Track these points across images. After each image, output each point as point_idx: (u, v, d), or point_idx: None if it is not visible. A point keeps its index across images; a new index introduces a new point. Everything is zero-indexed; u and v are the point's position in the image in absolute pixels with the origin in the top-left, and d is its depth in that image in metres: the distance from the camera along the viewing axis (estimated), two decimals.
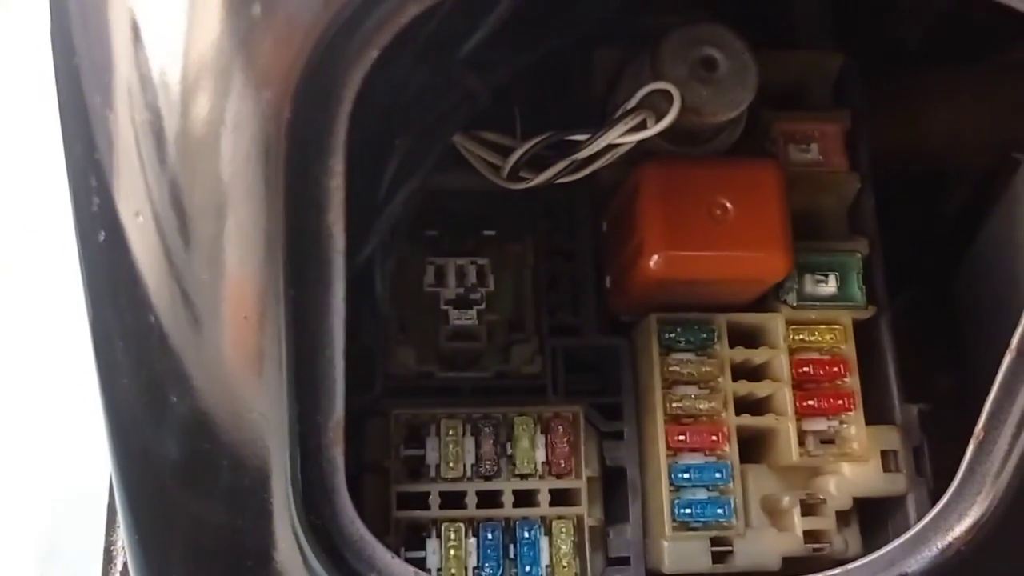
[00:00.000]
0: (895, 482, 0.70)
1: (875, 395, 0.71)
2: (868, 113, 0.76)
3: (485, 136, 0.65)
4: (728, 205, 0.65)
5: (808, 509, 0.69)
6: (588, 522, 0.67)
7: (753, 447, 0.71)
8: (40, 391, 1.20)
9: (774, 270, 0.67)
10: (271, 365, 0.49)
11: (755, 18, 0.67)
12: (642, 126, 0.63)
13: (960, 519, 0.58)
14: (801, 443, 0.68)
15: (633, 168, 0.67)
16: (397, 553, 0.64)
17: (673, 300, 0.69)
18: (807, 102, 0.75)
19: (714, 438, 0.68)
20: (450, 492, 0.66)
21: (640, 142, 0.65)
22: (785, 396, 0.69)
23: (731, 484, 0.68)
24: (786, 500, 0.69)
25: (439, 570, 0.65)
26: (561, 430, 0.68)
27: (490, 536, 0.66)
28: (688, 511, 0.67)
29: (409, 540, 0.66)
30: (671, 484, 0.67)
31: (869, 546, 0.70)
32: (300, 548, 0.53)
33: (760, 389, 0.69)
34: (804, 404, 0.69)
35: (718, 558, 0.67)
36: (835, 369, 0.70)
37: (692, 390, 0.69)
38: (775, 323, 0.70)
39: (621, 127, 0.63)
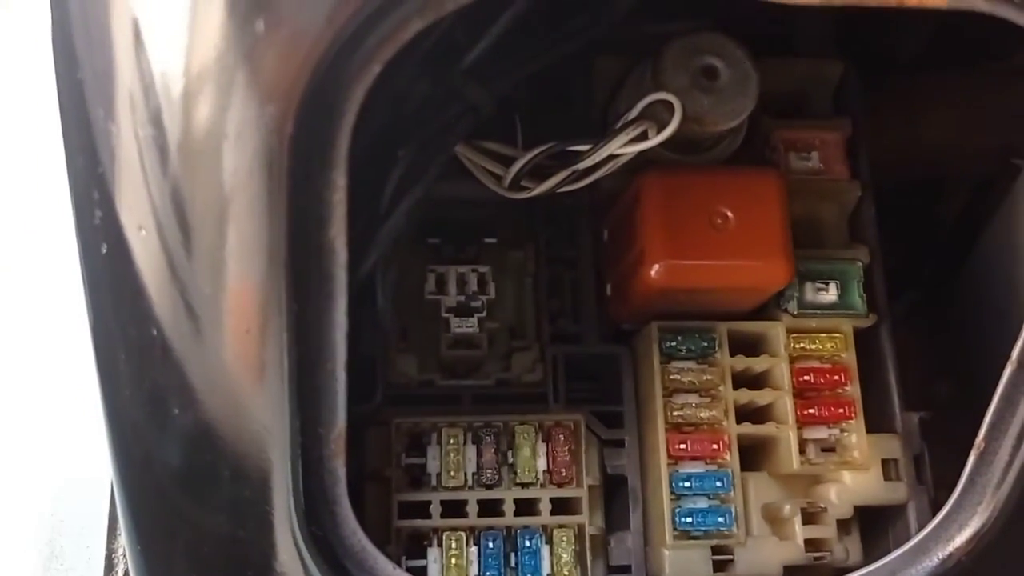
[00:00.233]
0: (896, 491, 0.70)
1: (876, 403, 0.72)
2: (869, 120, 0.76)
3: (487, 146, 0.65)
4: (729, 214, 0.66)
5: (809, 518, 0.69)
6: (589, 531, 0.67)
7: (754, 455, 0.71)
8: (41, 394, 1.20)
9: (775, 279, 0.67)
10: (273, 377, 0.49)
11: (756, 27, 0.67)
12: (643, 137, 0.63)
13: (961, 529, 0.58)
14: (802, 451, 0.69)
15: (634, 177, 0.68)
16: (399, 562, 0.64)
17: (674, 308, 0.69)
18: (808, 110, 0.76)
19: (715, 446, 0.68)
20: (451, 501, 0.66)
21: (642, 151, 0.65)
22: (786, 404, 0.69)
23: (732, 493, 0.68)
24: (787, 508, 0.69)
25: None
26: (562, 439, 0.68)
27: (491, 545, 0.66)
28: (689, 520, 0.67)
29: (410, 549, 0.66)
30: (672, 492, 0.67)
31: (870, 555, 0.70)
32: (301, 559, 0.53)
33: (761, 397, 0.69)
34: (805, 412, 0.69)
35: (719, 567, 0.68)
36: (836, 377, 0.70)
37: (693, 398, 0.69)
38: (776, 331, 0.70)
39: (622, 138, 0.63)
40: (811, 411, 0.69)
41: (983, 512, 0.58)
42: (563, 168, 0.65)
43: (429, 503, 0.66)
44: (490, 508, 0.67)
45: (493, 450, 0.67)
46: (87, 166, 0.47)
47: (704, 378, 0.69)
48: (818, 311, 0.71)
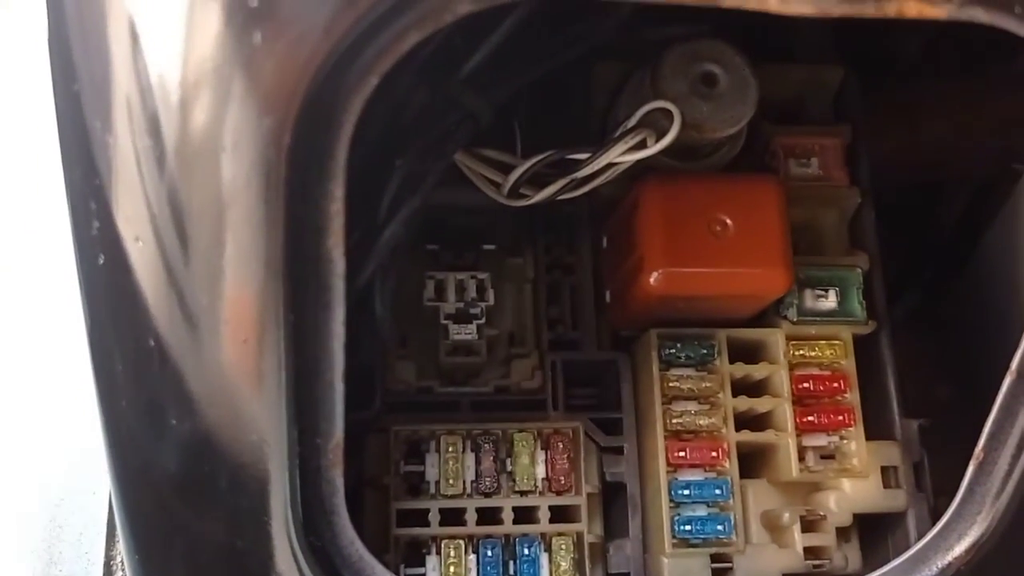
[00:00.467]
0: (895, 498, 0.70)
1: (875, 410, 0.71)
2: (869, 126, 0.75)
3: (486, 153, 0.65)
4: (728, 221, 0.65)
5: (808, 525, 0.69)
6: (588, 539, 0.67)
7: (753, 463, 0.71)
8: (40, 399, 1.20)
9: (774, 286, 0.67)
10: (270, 387, 0.49)
11: (755, 33, 0.67)
12: (642, 145, 0.63)
13: (960, 539, 0.58)
14: (801, 459, 0.68)
15: (633, 183, 0.67)
16: (397, 571, 0.64)
17: (673, 315, 0.69)
18: (807, 116, 0.75)
19: (714, 454, 0.68)
20: (450, 509, 0.66)
21: (641, 158, 0.64)
22: (785, 412, 0.69)
23: (731, 500, 0.68)
24: (786, 516, 0.69)
25: None
26: (561, 446, 0.68)
27: (490, 553, 0.66)
28: (688, 527, 0.67)
29: (409, 557, 0.66)
30: (671, 500, 0.67)
31: (869, 563, 0.70)
32: (299, 569, 0.53)
33: (760, 405, 0.69)
34: (804, 420, 0.69)
35: (718, 574, 0.67)
36: (835, 384, 0.70)
37: (692, 406, 0.69)
38: (775, 338, 0.70)
39: (621, 146, 0.63)
40: (810, 418, 0.69)
41: (982, 522, 0.57)
42: (562, 176, 0.65)
43: (428, 511, 0.66)
44: (489, 516, 0.67)
45: (492, 458, 0.67)
46: (84, 177, 0.47)
47: (703, 385, 0.69)
48: (817, 318, 0.71)
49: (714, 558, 0.67)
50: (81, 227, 0.48)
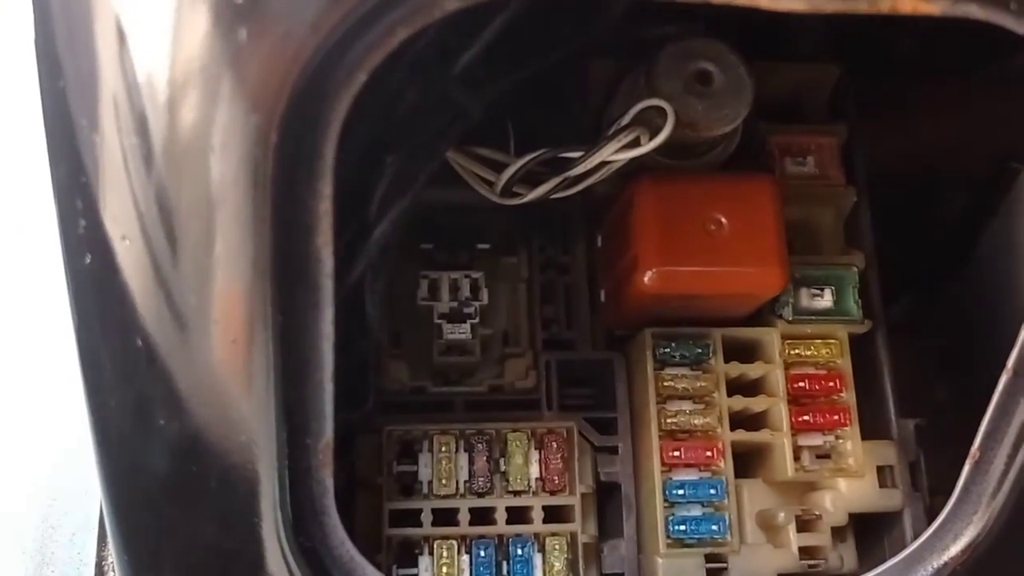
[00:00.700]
0: (891, 498, 0.69)
1: (871, 410, 0.71)
2: (864, 125, 0.75)
3: (478, 152, 0.65)
4: (723, 220, 0.65)
5: (804, 525, 0.69)
6: (582, 539, 0.67)
7: (748, 462, 0.71)
8: (31, 399, 1.20)
9: (769, 285, 0.66)
10: (260, 388, 0.48)
11: (750, 31, 0.66)
12: (636, 143, 0.63)
13: (956, 539, 0.58)
14: (796, 458, 0.68)
15: (628, 182, 0.67)
16: (389, 571, 0.64)
17: (668, 314, 0.69)
18: (803, 115, 0.75)
19: (709, 454, 0.68)
20: (443, 509, 0.66)
21: (635, 157, 0.64)
22: (780, 411, 0.69)
23: (726, 500, 0.67)
24: (781, 516, 0.68)
25: None
26: (555, 446, 0.68)
27: (483, 553, 0.65)
28: (683, 527, 0.67)
29: (401, 557, 0.66)
30: (665, 500, 0.67)
31: (865, 562, 0.70)
32: (290, 570, 0.53)
33: (755, 404, 0.69)
34: (800, 419, 0.69)
35: (713, 575, 0.67)
36: (831, 384, 0.70)
37: (687, 405, 0.69)
38: (771, 337, 0.70)
39: (615, 144, 0.62)
40: (806, 418, 0.69)
41: (978, 522, 0.57)
42: (555, 174, 0.64)
43: (420, 511, 0.66)
44: (482, 516, 0.67)
45: (485, 457, 0.67)
46: (70, 175, 0.47)
47: (698, 385, 0.69)
48: (813, 317, 0.70)
49: (709, 558, 0.67)
50: (68, 226, 0.48)
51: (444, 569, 0.65)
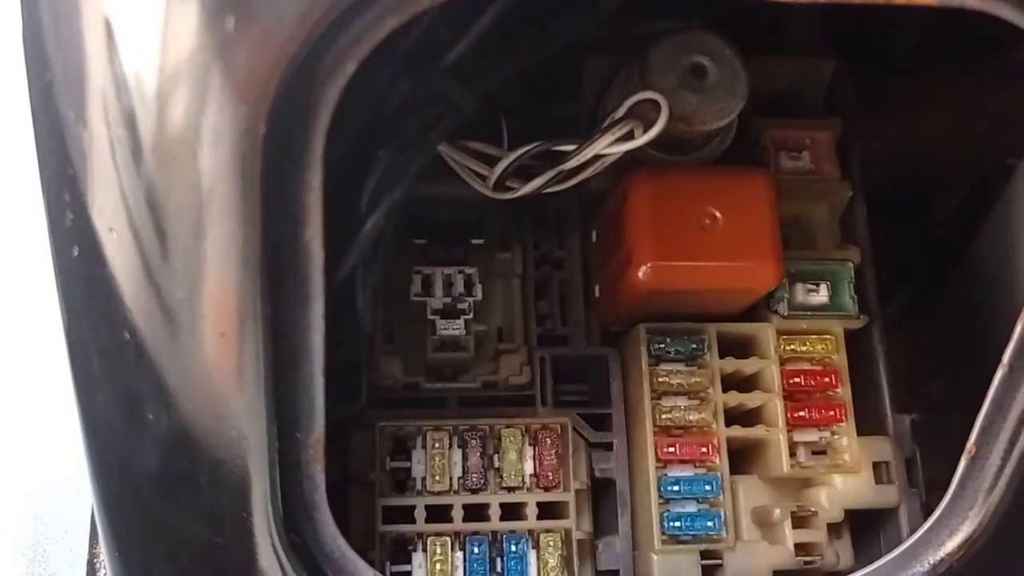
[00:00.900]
0: (887, 494, 0.69)
1: (867, 405, 0.71)
2: (860, 120, 0.75)
3: (471, 146, 0.64)
4: (718, 214, 0.65)
5: (799, 521, 0.68)
6: (576, 535, 0.67)
7: (743, 458, 0.70)
8: (22, 396, 1.19)
9: (764, 280, 0.66)
10: (249, 382, 0.48)
11: (746, 25, 0.66)
12: (630, 136, 0.62)
13: (952, 535, 0.58)
14: (792, 454, 0.68)
15: (622, 176, 0.67)
16: (383, 568, 0.63)
17: (662, 310, 0.68)
18: (798, 110, 0.75)
19: (704, 450, 0.67)
20: (436, 505, 0.66)
21: (629, 150, 0.64)
22: (776, 407, 0.68)
23: (721, 496, 0.67)
24: (777, 512, 0.68)
25: None
26: (549, 442, 0.67)
27: (476, 550, 0.65)
28: (678, 524, 0.66)
29: (395, 554, 0.65)
30: (660, 496, 0.66)
31: (861, 558, 0.69)
32: (281, 566, 0.52)
33: (751, 400, 0.69)
34: (795, 415, 0.68)
35: (708, 571, 0.67)
36: (826, 379, 0.69)
37: (682, 401, 0.68)
38: (766, 333, 0.70)
39: (608, 137, 0.62)
40: (801, 414, 0.68)
41: (974, 517, 0.57)
42: (549, 168, 0.64)
43: (414, 508, 0.65)
44: (476, 512, 0.66)
45: (479, 454, 0.67)
46: (58, 167, 0.46)
47: (693, 380, 0.68)
48: (809, 312, 0.70)
49: (704, 555, 0.67)
50: (55, 219, 0.47)
51: (438, 566, 0.64)
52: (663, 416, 0.68)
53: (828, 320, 0.70)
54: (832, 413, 0.69)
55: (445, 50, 0.56)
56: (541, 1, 0.60)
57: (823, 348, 0.70)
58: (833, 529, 0.69)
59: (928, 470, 0.70)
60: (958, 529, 0.58)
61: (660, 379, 0.68)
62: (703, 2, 0.67)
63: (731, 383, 0.69)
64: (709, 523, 0.66)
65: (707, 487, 0.67)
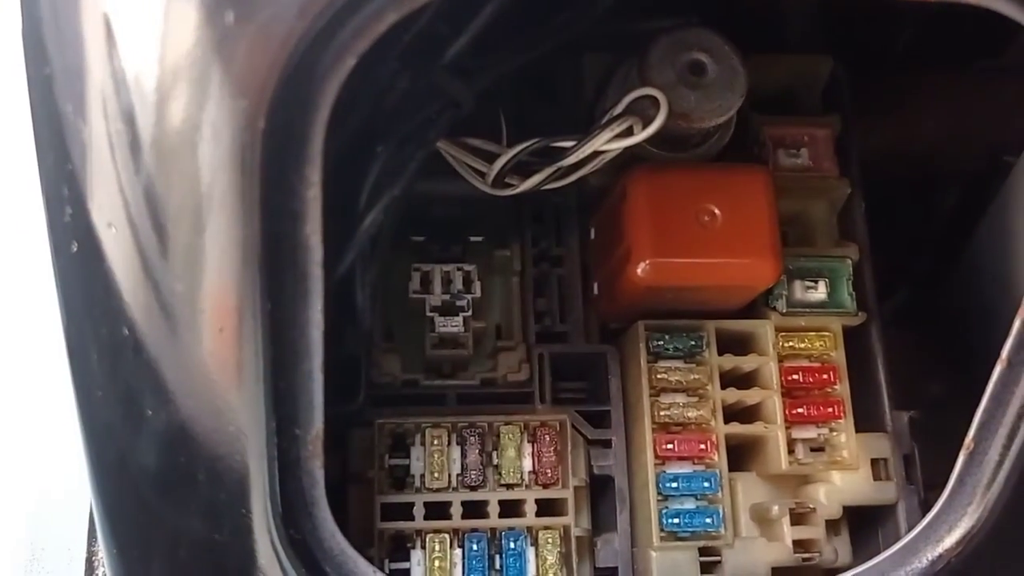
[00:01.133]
0: (885, 491, 0.69)
1: (865, 402, 0.71)
2: (858, 117, 0.75)
3: (470, 142, 0.64)
4: (716, 211, 0.65)
5: (798, 518, 0.68)
6: (575, 532, 0.67)
7: (742, 455, 0.70)
8: (20, 395, 1.19)
9: (763, 276, 0.66)
10: (248, 378, 0.48)
11: (744, 22, 0.66)
12: (628, 132, 0.62)
13: (950, 530, 0.58)
14: (790, 451, 0.68)
15: (621, 173, 0.67)
16: (381, 565, 0.63)
17: (661, 307, 0.68)
18: (797, 107, 0.75)
19: (702, 447, 0.67)
20: (435, 502, 0.66)
21: (628, 147, 0.64)
22: (774, 404, 0.68)
23: (720, 493, 0.67)
24: (775, 509, 0.68)
25: None
26: (548, 439, 0.67)
27: (475, 547, 0.65)
28: (676, 521, 0.66)
29: (393, 551, 0.65)
30: (659, 493, 0.66)
31: (859, 555, 0.69)
32: (280, 563, 0.52)
33: (749, 397, 0.69)
34: (793, 412, 0.68)
35: (707, 568, 0.67)
36: (825, 376, 0.69)
37: (680, 398, 0.68)
38: (764, 330, 0.70)
39: (607, 133, 0.62)
40: (800, 410, 0.68)
41: (973, 513, 0.57)
42: (548, 165, 0.64)
43: (412, 505, 0.65)
44: (474, 510, 0.66)
45: (478, 451, 0.67)
46: (56, 162, 0.46)
47: (691, 377, 0.68)
48: (807, 309, 0.70)
49: (703, 551, 0.67)
50: (54, 214, 0.47)
51: (436, 563, 0.64)
52: (662, 413, 0.68)
53: (826, 317, 0.70)
54: (830, 410, 0.69)
55: (444, 46, 0.56)
56: None
57: (821, 345, 0.70)
58: (831, 526, 0.69)
59: (926, 467, 0.70)
60: (956, 525, 0.58)
61: (659, 376, 0.68)
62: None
63: (730, 380, 0.69)
64: (708, 520, 0.66)
65: (706, 484, 0.67)
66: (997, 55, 0.81)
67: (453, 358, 0.71)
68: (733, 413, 0.69)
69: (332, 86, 0.43)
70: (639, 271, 0.64)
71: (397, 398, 0.69)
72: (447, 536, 0.65)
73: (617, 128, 0.62)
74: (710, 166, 0.69)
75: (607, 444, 0.69)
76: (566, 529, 0.67)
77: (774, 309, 0.70)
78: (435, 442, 0.66)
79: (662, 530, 0.66)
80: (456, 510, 0.65)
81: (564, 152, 0.63)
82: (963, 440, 0.58)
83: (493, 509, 0.66)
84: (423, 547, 0.65)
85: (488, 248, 0.73)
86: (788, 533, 0.68)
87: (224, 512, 0.51)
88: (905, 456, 0.70)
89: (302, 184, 0.45)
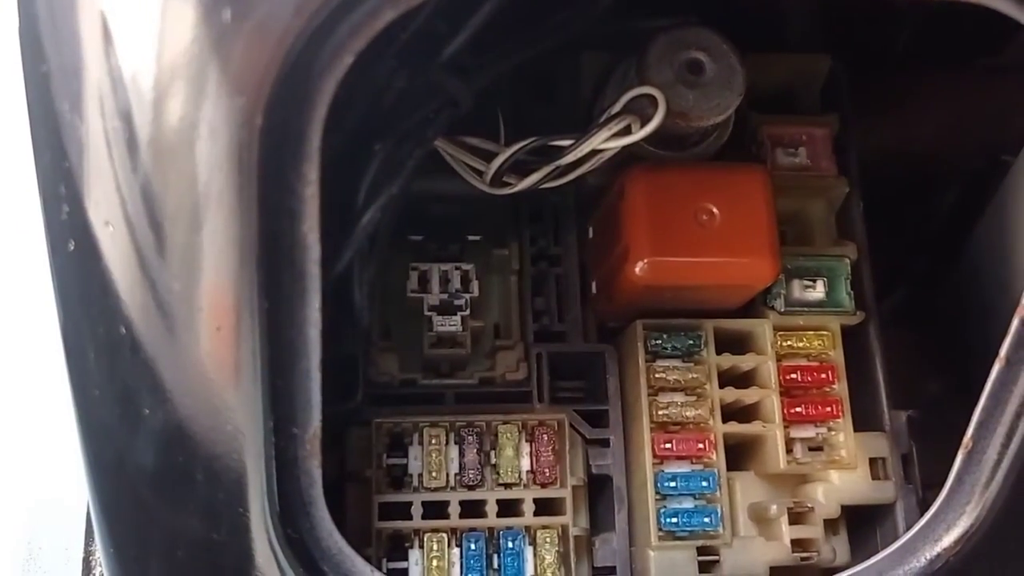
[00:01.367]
0: (883, 490, 0.69)
1: (863, 401, 0.71)
2: (857, 116, 0.75)
3: (468, 141, 0.64)
4: (714, 210, 0.65)
5: (796, 517, 0.68)
6: (573, 531, 0.67)
7: (740, 455, 0.70)
8: (17, 395, 1.19)
9: (761, 275, 0.66)
10: (246, 376, 0.48)
11: (743, 21, 0.66)
12: (627, 131, 0.62)
13: (949, 530, 0.57)
14: (789, 450, 0.68)
15: (619, 172, 0.67)
16: (379, 564, 0.63)
17: (659, 306, 0.68)
18: (795, 106, 0.75)
19: (701, 446, 0.67)
20: (433, 502, 0.65)
21: (626, 146, 0.64)
22: (772, 403, 0.68)
23: (718, 492, 0.67)
24: (774, 508, 0.68)
25: None
26: (546, 438, 0.67)
27: (473, 546, 0.65)
28: (674, 520, 0.66)
29: (391, 551, 0.65)
30: (657, 493, 0.66)
31: (857, 555, 0.69)
32: (277, 562, 0.52)
33: (747, 396, 0.69)
34: (792, 411, 0.68)
35: (705, 568, 0.67)
36: (823, 375, 0.69)
37: (678, 397, 0.68)
38: (762, 329, 0.70)
39: (605, 132, 0.62)
40: (798, 410, 0.68)
41: (971, 512, 0.57)
42: (546, 164, 0.64)
43: (410, 504, 0.65)
44: (472, 509, 0.66)
45: (476, 450, 0.67)
46: (53, 160, 0.46)
47: (690, 377, 0.68)
48: (805, 308, 0.70)
49: (701, 551, 0.67)
50: (51, 212, 0.47)
51: (434, 562, 0.64)
52: (660, 412, 0.68)
53: (825, 316, 0.70)
54: (829, 409, 0.69)
55: (442, 44, 0.56)
56: None
57: (820, 344, 0.70)
58: (830, 525, 0.69)
59: (925, 466, 0.70)
60: (955, 524, 0.57)
61: (657, 375, 0.68)
62: None
63: (728, 379, 0.69)
64: (706, 519, 0.66)
65: (704, 483, 0.67)
66: (996, 54, 0.81)
67: (451, 357, 0.70)
68: (731, 412, 0.69)
69: (329, 84, 0.43)
70: (637, 270, 0.64)
71: (395, 397, 0.69)
72: (445, 535, 0.65)
73: (615, 127, 0.62)
74: (708, 165, 0.69)
75: (605, 443, 0.69)
76: (564, 528, 0.66)
77: (772, 308, 0.70)
78: (433, 441, 0.66)
79: (660, 529, 0.66)
80: (454, 509, 0.65)
81: (562, 151, 0.63)
82: (961, 439, 0.58)
83: (491, 508, 0.66)
84: (421, 546, 0.65)
85: (486, 247, 0.73)
86: (786, 532, 0.68)
87: (221, 511, 0.51)
88: (903, 455, 0.70)
89: (300, 182, 0.45)
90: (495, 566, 0.65)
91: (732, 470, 0.68)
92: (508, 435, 0.67)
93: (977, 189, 0.84)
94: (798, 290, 0.70)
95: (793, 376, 0.69)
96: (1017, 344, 0.55)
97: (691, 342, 0.69)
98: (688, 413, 0.68)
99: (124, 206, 0.45)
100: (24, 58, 0.47)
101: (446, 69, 0.57)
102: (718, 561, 0.67)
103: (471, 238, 0.73)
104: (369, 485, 0.65)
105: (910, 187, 0.90)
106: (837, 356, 0.70)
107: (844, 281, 0.71)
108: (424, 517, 0.65)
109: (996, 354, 0.57)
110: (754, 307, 0.70)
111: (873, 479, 0.69)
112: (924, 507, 0.65)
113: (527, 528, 0.66)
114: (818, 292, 0.70)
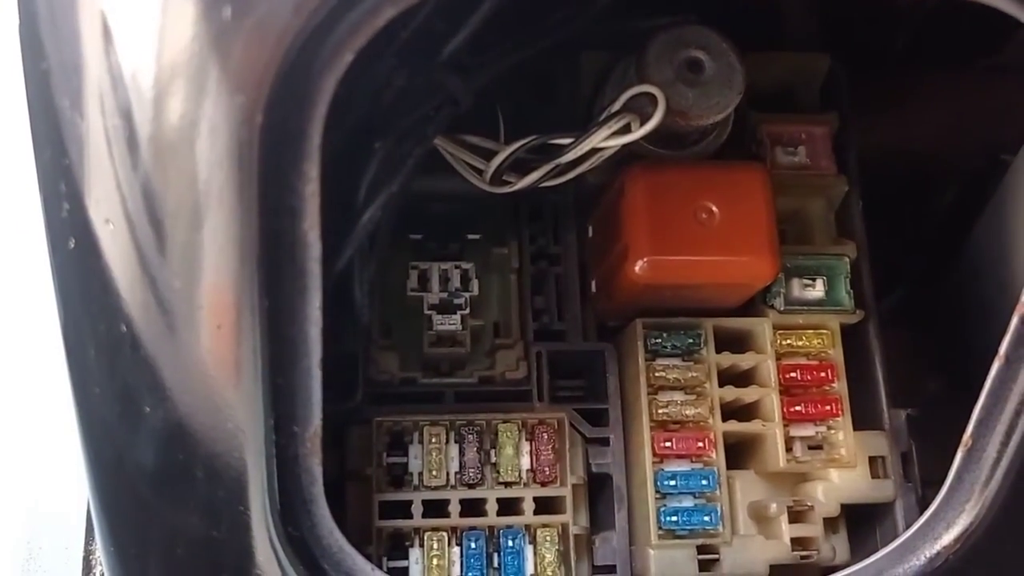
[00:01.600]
0: (883, 488, 0.69)
1: (863, 400, 0.71)
2: (856, 115, 0.75)
3: (468, 139, 0.64)
4: (714, 209, 0.65)
5: (795, 516, 0.68)
6: (573, 530, 0.67)
7: (740, 453, 0.70)
8: (18, 393, 1.19)
9: (761, 274, 0.66)
10: (246, 374, 0.48)
11: (742, 20, 0.66)
12: (626, 130, 0.62)
13: (948, 528, 0.57)
14: (788, 449, 0.68)
15: (619, 171, 0.67)
16: (380, 563, 0.63)
17: (659, 305, 0.68)
18: (794, 104, 0.75)
19: (700, 444, 0.67)
20: (433, 500, 0.65)
21: (626, 145, 0.64)
22: (772, 402, 0.68)
23: (718, 491, 0.67)
24: (773, 507, 0.68)
25: None
26: (546, 437, 0.67)
27: (473, 545, 0.65)
28: (674, 519, 0.66)
29: (392, 549, 0.65)
30: (657, 491, 0.66)
31: (857, 553, 0.69)
32: (278, 560, 0.52)
33: (747, 395, 0.69)
34: (791, 410, 0.68)
35: (705, 566, 0.67)
36: (822, 374, 0.69)
37: (678, 396, 0.68)
38: (762, 328, 0.70)
39: (605, 131, 0.62)
40: (797, 408, 0.68)
41: (971, 510, 0.57)
42: (546, 162, 0.64)
43: (411, 503, 0.65)
44: (472, 508, 0.66)
45: (476, 449, 0.67)
46: (54, 158, 0.46)
47: (689, 375, 0.68)
48: (805, 307, 0.70)
49: (701, 549, 0.67)
50: (51, 210, 0.47)
51: (435, 561, 0.64)
52: (660, 411, 0.68)
53: (824, 315, 0.70)
54: (828, 408, 0.69)
55: (442, 43, 0.56)
56: None
57: (819, 343, 0.70)
58: (829, 524, 0.69)
59: (924, 465, 0.70)
60: (955, 522, 0.57)
61: (657, 374, 0.68)
62: None
63: (727, 378, 0.69)
64: (706, 518, 0.66)
65: (703, 482, 0.67)
66: (996, 53, 0.81)
67: (451, 356, 0.71)
68: (731, 411, 0.69)
69: (329, 82, 0.43)
70: (637, 269, 0.64)
71: (395, 396, 0.69)
72: (445, 534, 0.65)
73: (615, 125, 0.62)
74: (708, 164, 0.69)
75: (605, 442, 0.69)
76: (564, 527, 0.66)
77: (772, 307, 0.70)
78: (433, 440, 0.66)
79: (660, 528, 0.66)
80: (454, 508, 0.65)
81: (562, 149, 0.63)
82: (961, 437, 0.58)
83: (491, 507, 0.66)
84: (421, 545, 0.65)
85: (486, 246, 0.73)
86: (786, 531, 0.68)
87: (222, 509, 0.51)
88: (903, 454, 0.70)
89: (300, 180, 0.45)
90: (495, 565, 0.65)
91: (732, 469, 0.69)
92: (508, 434, 0.67)
93: (976, 189, 0.84)
94: (797, 289, 0.70)
95: (793, 375, 0.69)
96: (1017, 342, 0.55)
97: (691, 341, 0.69)
98: (688, 412, 0.68)
99: (124, 204, 0.45)
100: (24, 55, 0.47)
101: (446, 67, 0.58)
102: (718, 560, 0.67)
103: (471, 237, 0.73)
104: (369, 483, 0.65)
105: (909, 186, 0.90)
106: (836, 355, 0.70)
107: (843, 280, 0.71)
108: (424, 516, 0.65)
109: (995, 352, 0.57)
110: (754, 306, 0.71)
111: (873, 477, 0.69)
112: (924, 505, 0.65)
113: (527, 527, 0.66)
114: (817, 291, 0.70)
